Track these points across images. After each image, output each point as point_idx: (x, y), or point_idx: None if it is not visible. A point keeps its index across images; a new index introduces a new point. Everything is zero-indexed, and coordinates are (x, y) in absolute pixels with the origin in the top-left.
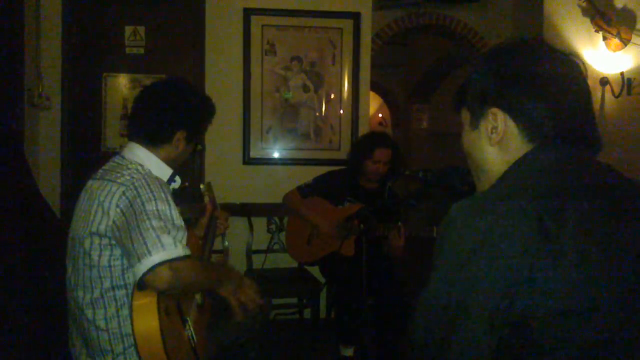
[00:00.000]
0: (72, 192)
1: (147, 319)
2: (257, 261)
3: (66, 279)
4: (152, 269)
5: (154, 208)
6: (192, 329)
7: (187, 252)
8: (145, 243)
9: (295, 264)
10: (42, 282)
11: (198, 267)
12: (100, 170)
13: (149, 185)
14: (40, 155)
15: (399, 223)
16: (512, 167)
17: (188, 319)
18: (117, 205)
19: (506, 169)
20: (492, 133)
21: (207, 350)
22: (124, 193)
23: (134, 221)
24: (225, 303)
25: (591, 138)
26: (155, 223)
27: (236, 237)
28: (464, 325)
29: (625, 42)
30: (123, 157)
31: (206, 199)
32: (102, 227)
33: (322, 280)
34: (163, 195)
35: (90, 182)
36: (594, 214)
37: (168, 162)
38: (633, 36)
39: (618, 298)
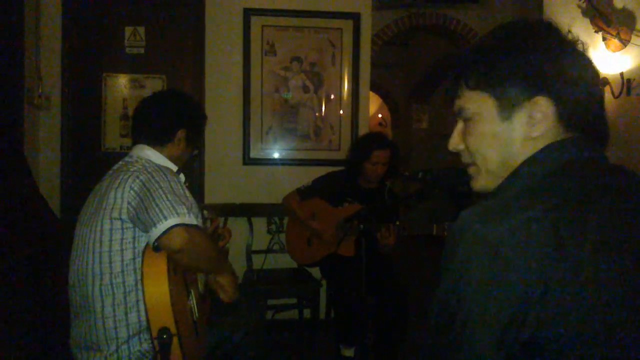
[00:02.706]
0: (71, 192)
1: (157, 278)
2: (257, 261)
3: (70, 274)
4: (167, 230)
5: (168, 185)
6: (194, 301)
7: (200, 224)
8: (161, 210)
9: (295, 265)
10: (42, 282)
11: (209, 241)
12: (110, 171)
13: (161, 170)
14: (40, 155)
15: (397, 222)
16: (523, 165)
17: (192, 290)
18: (132, 188)
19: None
20: (534, 123)
21: (205, 337)
22: (137, 177)
23: (149, 196)
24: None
25: (603, 131)
26: (170, 196)
27: (236, 238)
28: (471, 339)
29: (624, 43)
30: (131, 156)
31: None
32: (117, 212)
33: (323, 281)
34: (175, 179)
35: (100, 184)
36: (612, 224)
37: (172, 160)
38: (633, 37)
39: (637, 317)
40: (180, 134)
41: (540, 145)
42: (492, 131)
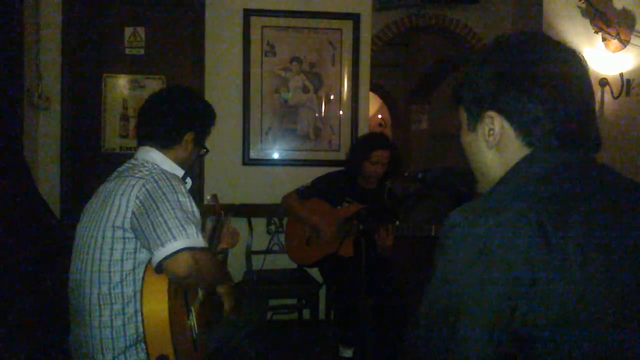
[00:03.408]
0: (71, 192)
1: (157, 300)
2: (257, 262)
3: (70, 278)
4: (174, 254)
5: (176, 198)
6: (194, 319)
7: (206, 245)
8: (169, 229)
9: (294, 265)
10: (42, 284)
11: (214, 262)
12: (115, 173)
13: (168, 178)
14: (40, 156)
15: (397, 222)
16: (510, 172)
17: (192, 308)
18: (137, 197)
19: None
20: (489, 136)
21: (205, 348)
22: (143, 185)
23: (156, 209)
24: (219, 300)
25: (590, 137)
26: (178, 213)
27: None
28: (463, 333)
29: (624, 43)
30: (137, 159)
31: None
32: (120, 220)
33: (321, 280)
34: (182, 188)
35: (104, 185)
36: (597, 219)
37: (178, 163)
38: (632, 37)
39: (622, 309)
40: (188, 136)
41: (502, 155)
42: (466, 140)
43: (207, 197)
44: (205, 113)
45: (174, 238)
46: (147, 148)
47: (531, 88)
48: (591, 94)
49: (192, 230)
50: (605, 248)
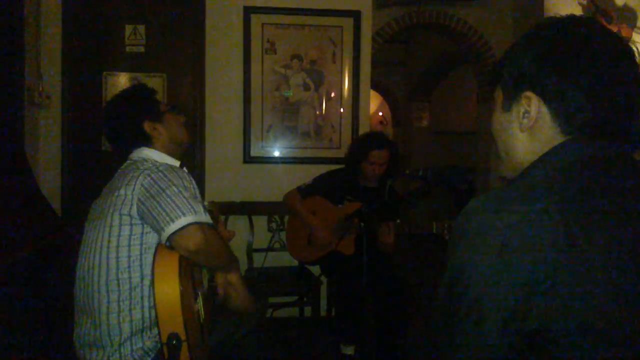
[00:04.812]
0: (72, 190)
1: (169, 284)
2: (258, 260)
3: (77, 269)
4: (184, 227)
5: (181, 183)
6: (201, 303)
7: (213, 224)
8: (177, 206)
9: (295, 263)
10: (42, 282)
11: (222, 241)
12: (119, 170)
13: (173, 169)
14: (41, 154)
15: (398, 221)
16: (539, 160)
17: (199, 292)
18: (142, 185)
19: (534, 159)
20: (524, 118)
21: (209, 348)
22: (148, 175)
23: (162, 192)
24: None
25: (631, 132)
26: (185, 194)
27: (237, 236)
28: (475, 326)
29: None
30: (133, 158)
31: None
32: (126, 208)
33: (323, 279)
34: (186, 176)
35: (109, 183)
36: (625, 220)
37: (169, 151)
38: (634, 34)
39: None
40: (147, 126)
41: (535, 140)
42: (499, 120)
43: (206, 203)
44: (138, 96)
45: (183, 214)
46: (138, 149)
47: (576, 74)
48: (638, 87)
49: (200, 208)
50: (632, 252)
